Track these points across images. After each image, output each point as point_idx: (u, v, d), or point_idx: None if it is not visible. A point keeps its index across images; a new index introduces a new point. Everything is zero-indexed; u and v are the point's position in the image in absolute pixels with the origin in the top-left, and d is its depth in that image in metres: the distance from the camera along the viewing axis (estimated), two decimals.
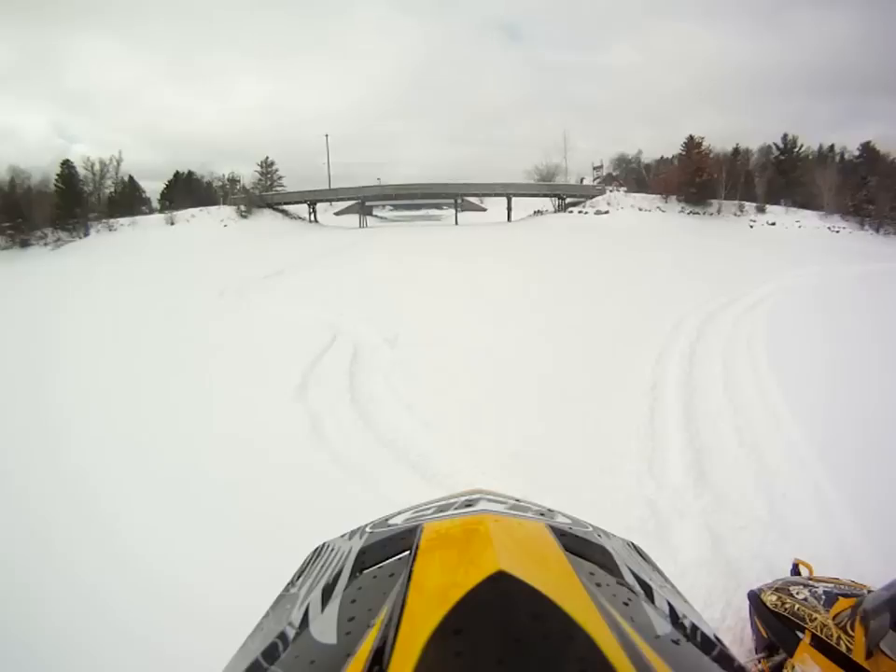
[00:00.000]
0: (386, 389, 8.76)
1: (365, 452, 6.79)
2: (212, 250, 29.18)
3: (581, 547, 0.66)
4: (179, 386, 9.26)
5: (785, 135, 46.66)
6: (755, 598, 3.11)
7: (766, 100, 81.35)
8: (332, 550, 0.77)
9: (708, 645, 0.55)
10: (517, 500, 0.82)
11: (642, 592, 0.62)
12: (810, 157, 47.21)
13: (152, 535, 5.37)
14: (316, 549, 0.83)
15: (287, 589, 0.75)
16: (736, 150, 47.03)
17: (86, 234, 38.36)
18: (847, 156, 47.62)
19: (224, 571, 4.62)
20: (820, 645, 2.51)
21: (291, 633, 0.57)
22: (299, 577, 0.76)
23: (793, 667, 2.60)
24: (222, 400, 8.55)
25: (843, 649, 2.38)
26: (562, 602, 0.47)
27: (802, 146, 46.89)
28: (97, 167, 44.61)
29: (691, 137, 44.26)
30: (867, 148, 45.91)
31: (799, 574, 3.45)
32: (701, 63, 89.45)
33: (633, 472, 6.00)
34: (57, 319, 15.40)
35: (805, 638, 2.60)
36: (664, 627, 0.54)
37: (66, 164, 41.67)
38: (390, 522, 0.78)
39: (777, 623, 2.85)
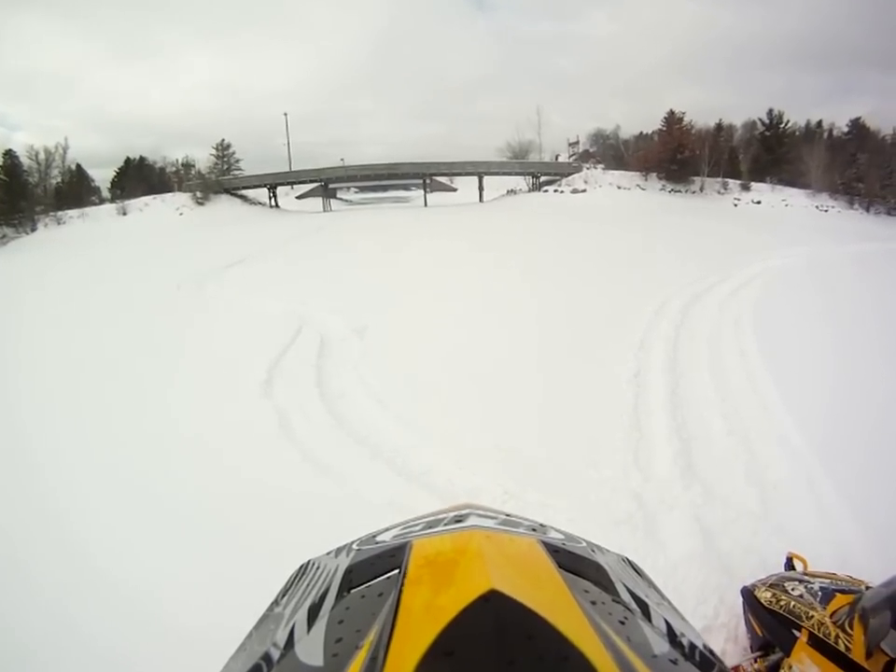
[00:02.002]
0: (357, 383, 8.68)
1: (337, 450, 6.71)
2: (168, 241, 28.89)
3: (574, 564, 0.67)
4: (134, 389, 9.01)
5: (770, 110, 47.29)
6: (748, 595, 3.12)
7: (751, 73, 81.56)
8: (318, 568, 0.77)
9: (707, 664, 0.56)
10: (508, 515, 0.83)
11: (638, 610, 0.63)
12: (797, 133, 47.73)
13: (114, 544, 5.26)
14: (301, 566, 0.83)
15: (271, 608, 0.74)
16: (719, 126, 47.52)
17: (33, 229, 37.92)
18: (835, 132, 48.19)
19: (189, 583, 4.56)
20: (818, 644, 2.51)
21: (276, 654, 0.56)
22: (283, 595, 0.76)
23: (791, 667, 2.60)
24: (182, 401, 8.37)
25: (841, 648, 2.38)
26: (556, 621, 0.48)
27: (788, 121, 47.54)
28: (42, 156, 43.95)
29: (671, 112, 44.75)
30: (857, 125, 46.41)
31: (793, 568, 3.46)
32: (682, 35, 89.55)
33: (618, 464, 6.01)
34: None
35: (802, 637, 2.60)
36: (661, 646, 0.54)
37: (9, 154, 40.96)
38: (378, 539, 0.78)
39: (772, 621, 2.85)
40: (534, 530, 0.78)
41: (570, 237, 23.71)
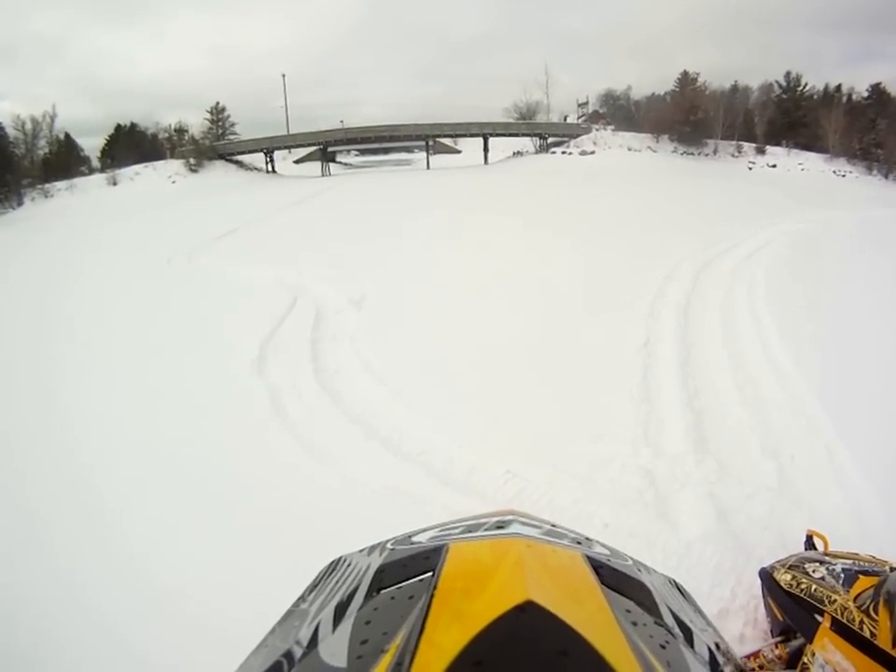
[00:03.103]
0: (353, 358, 8.53)
1: (332, 429, 6.58)
2: (159, 211, 28.58)
3: (618, 581, 0.67)
4: (116, 372, 8.72)
5: (788, 73, 46.88)
6: (767, 577, 3.05)
7: (769, 35, 79.91)
8: (349, 565, 0.78)
9: None
10: (553, 526, 0.85)
11: (681, 634, 0.62)
12: (815, 97, 47.18)
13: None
14: (332, 563, 0.85)
15: (296, 604, 0.75)
16: (735, 88, 47.01)
17: (19, 204, 37.15)
18: (855, 97, 47.52)
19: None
20: (842, 630, 2.43)
21: (298, 652, 0.56)
22: (311, 591, 0.77)
23: (813, 654, 2.52)
24: (169, 383, 8.16)
25: (866, 634, 2.30)
26: (593, 640, 0.47)
27: (806, 84, 47.05)
28: (28, 126, 42.73)
29: (685, 73, 44.54)
30: (877, 90, 45.80)
31: (814, 547, 3.42)
32: None
33: (627, 439, 5.90)
34: None
35: (825, 622, 2.52)
36: None
37: None
38: (414, 539, 0.80)
39: (792, 606, 2.77)
40: (579, 543, 0.80)
41: (579, 199, 23.47)
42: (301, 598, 0.76)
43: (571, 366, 7.66)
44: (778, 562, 3.11)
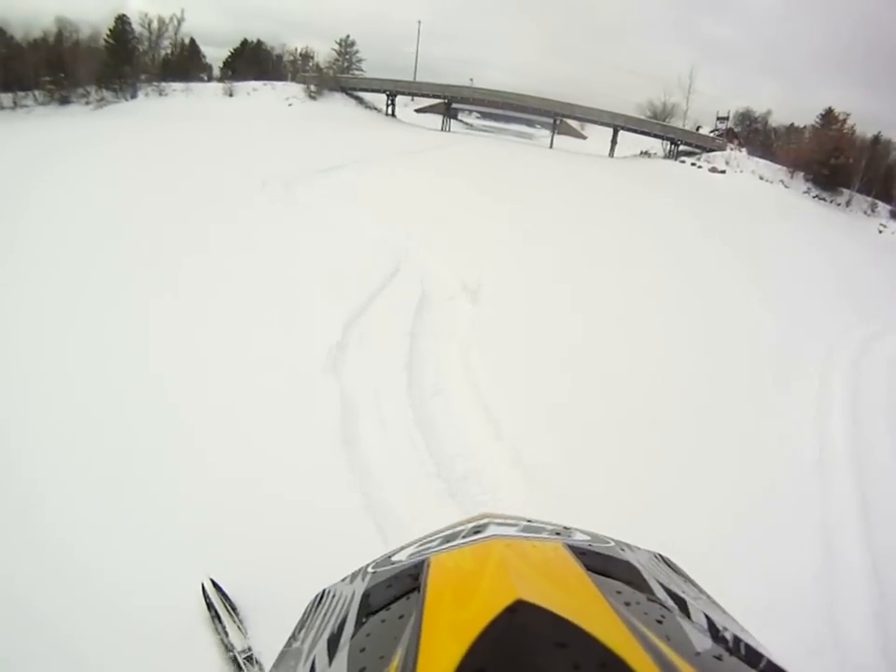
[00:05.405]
0: (461, 376, 6.51)
1: (417, 493, 4.58)
2: (269, 130, 27.72)
3: (603, 565, 0.67)
4: (160, 321, 6.96)
5: None
6: None
7: None
8: (334, 596, 0.77)
9: (755, 657, 0.55)
10: (529, 521, 0.84)
11: (676, 607, 0.62)
12: None
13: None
14: (316, 596, 0.83)
15: (288, 644, 0.75)
16: (877, 139, 43.20)
17: (133, 96, 37.62)
18: None
19: None
20: None
21: None
22: (301, 629, 0.76)
23: None
24: (212, 360, 6.23)
25: None
26: (589, 627, 0.47)
27: None
28: (155, 25, 43.67)
29: (830, 110, 41.78)
30: None
31: None
32: (856, 25, 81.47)
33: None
34: (61, 184, 13.29)
35: None
36: (703, 643, 0.54)
37: (121, 19, 40.51)
38: (394, 559, 0.77)
39: None
40: (558, 534, 0.79)
41: (710, 225, 20.87)
42: (293, 637, 0.75)
43: (741, 466, 5.83)
44: None
